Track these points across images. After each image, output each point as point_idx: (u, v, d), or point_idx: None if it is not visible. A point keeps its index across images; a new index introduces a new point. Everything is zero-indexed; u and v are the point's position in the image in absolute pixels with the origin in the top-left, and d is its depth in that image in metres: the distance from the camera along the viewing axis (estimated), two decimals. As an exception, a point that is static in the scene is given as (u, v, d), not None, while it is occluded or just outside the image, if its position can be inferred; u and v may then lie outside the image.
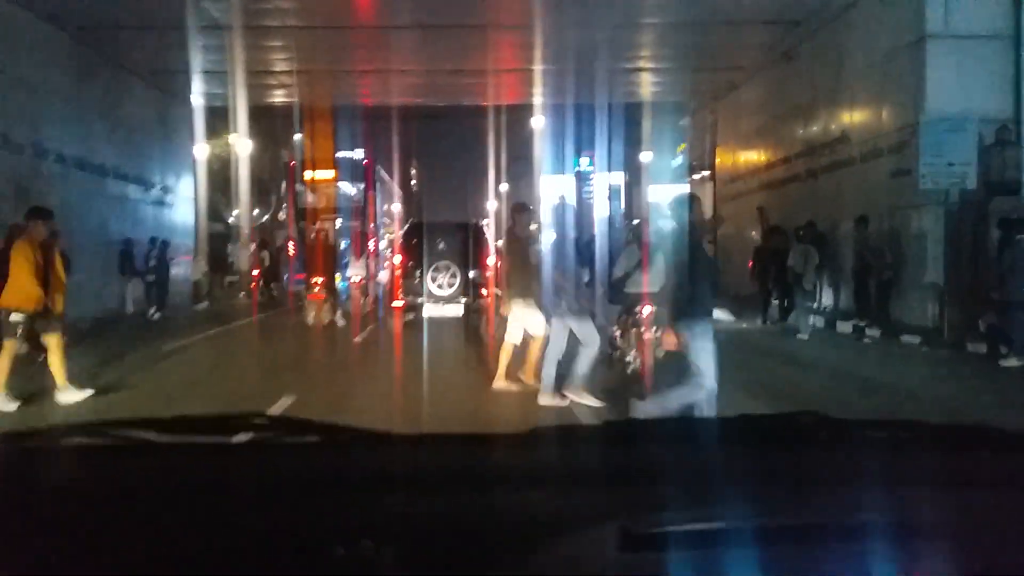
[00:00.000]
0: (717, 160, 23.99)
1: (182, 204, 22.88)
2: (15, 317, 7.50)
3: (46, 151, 15.48)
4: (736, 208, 21.68)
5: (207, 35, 17.13)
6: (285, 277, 22.82)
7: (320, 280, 14.74)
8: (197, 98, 22.52)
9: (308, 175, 21.69)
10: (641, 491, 1.20)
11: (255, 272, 22.81)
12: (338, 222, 20.07)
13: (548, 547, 1.05)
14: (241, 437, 1.44)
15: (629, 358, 8.77)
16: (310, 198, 21.23)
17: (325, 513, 1.13)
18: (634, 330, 8.63)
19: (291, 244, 22.04)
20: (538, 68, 19.76)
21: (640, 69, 20.75)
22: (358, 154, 28.18)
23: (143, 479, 1.25)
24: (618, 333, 9.06)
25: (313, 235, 18.44)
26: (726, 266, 21.81)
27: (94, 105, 17.35)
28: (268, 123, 28.03)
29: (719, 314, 16.05)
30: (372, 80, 21.58)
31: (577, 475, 1.26)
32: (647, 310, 8.32)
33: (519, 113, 27.69)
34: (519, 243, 8.49)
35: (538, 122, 27.32)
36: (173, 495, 1.18)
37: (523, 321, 8.11)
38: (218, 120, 24.10)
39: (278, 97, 23.69)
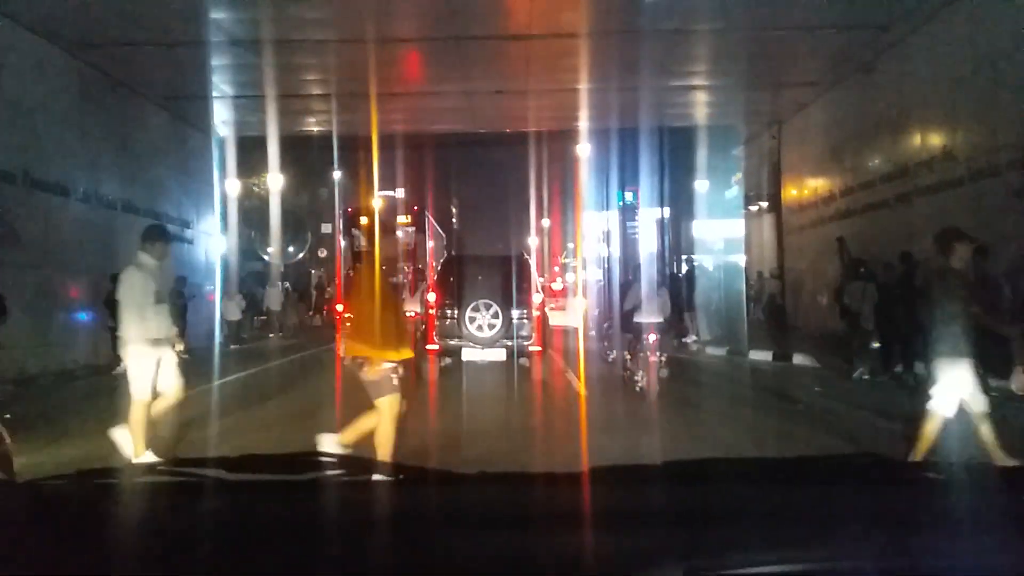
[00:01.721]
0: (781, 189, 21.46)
1: (204, 241, 20.98)
2: None
3: (42, 182, 13.56)
4: (805, 240, 19.23)
5: (226, 54, 15.32)
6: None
7: None
8: (219, 126, 20.86)
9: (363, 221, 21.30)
10: (703, 532, 1.17)
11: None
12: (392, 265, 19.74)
13: None
14: (306, 475, 1.46)
15: (637, 377, 10.56)
16: (364, 243, 20.28)
17: (387, 551, 1.13)
18: (641, 354, 10.45)
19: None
20: (583, 87, 17.54)
21: (692, 87, 18.31)
22: (399, 192, 28.34)
23: (214, 515, 1.30)
24: (628, 356, 11.21)
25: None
26: (796, 303, 19.48)
27: (99, 132, 15.47)
28: (299, 154, 26.20)
29: (800, 359, 13.86)
30: (408, 104, 19.50)
31: (638, 515, 1.24)
32: (652, 337, 10.31)
33: (561, 142, 25.61)
34: None
35: (582, 150, 25.03)
36: (243, 531, 1.22)
37: None
38: (244, 151, 22.26)
39: (309, 125, 21.76)
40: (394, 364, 5.65)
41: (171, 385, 6.69)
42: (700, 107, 20.19)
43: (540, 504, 1.32)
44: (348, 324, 5.74)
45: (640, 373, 10.42)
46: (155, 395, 6.56)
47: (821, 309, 16.56)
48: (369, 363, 5.54)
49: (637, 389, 10.40)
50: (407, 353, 5.78)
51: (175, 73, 16.38)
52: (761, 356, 15.46)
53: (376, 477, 1.49)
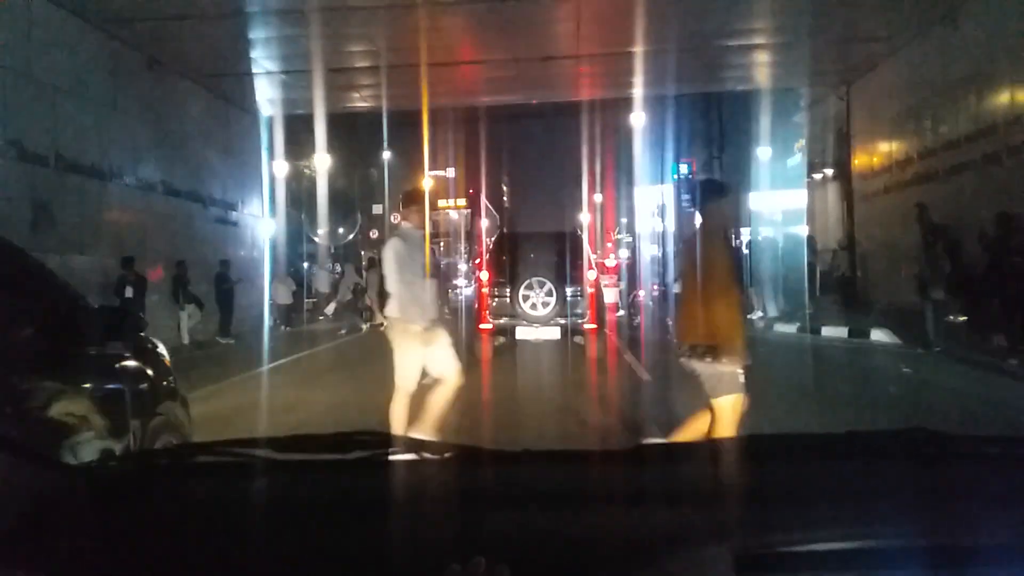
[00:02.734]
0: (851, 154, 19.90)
1: (251, 222, 20.42)
2: None
3: (76, 164, 12.96)
4: (877, 208, 17.83)
5: (266, 27, 14.58)
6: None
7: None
8: (263, 105, 20.18)
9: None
10: (751, 509, 1.15)
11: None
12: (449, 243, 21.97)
13: (659, 565, 1.03)
14: (356, 454, 1.43)
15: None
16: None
17: (439, 529, 1.15)
18: None
19: None
20: (637, 50, 16.32)
21: (752, 47, 16.91)
22: (450, 172, 28.16)
23: (264, 495, 1.31)
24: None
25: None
26: (875, 276, 18.16)
27: (135, 112, 14.83)
28: (347, 133, 25.45)
29: (880, 335, 12.62)
30: (454, 76, 18.51)
31: (686, 493, 1.22)
32: None
33: (614, 112, 24.41)
34: None
35: (636, 119, 23.73)
36: (292, 510, 1.23)
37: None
38: (291, 131, 21.53)
39: (355, 101, 20.92)
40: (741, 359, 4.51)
41: (449, 369, 5.86)
42: (761, 69, 18.80)
43: (586, 482, 1.31)
44: (692, 309, 4.53)
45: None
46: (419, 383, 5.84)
47: (898, 281, 15.24)
48: (718, 354, 4.41)
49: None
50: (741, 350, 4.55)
51: (213, 49, 15.69)
52: (835, 332, 14.26)
53: (422, 455, 1.46)
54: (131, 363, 3.92)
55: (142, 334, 4.18)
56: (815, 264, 19.38)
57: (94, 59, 13.58)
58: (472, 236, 21.76)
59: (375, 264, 20.45)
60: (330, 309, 21.00)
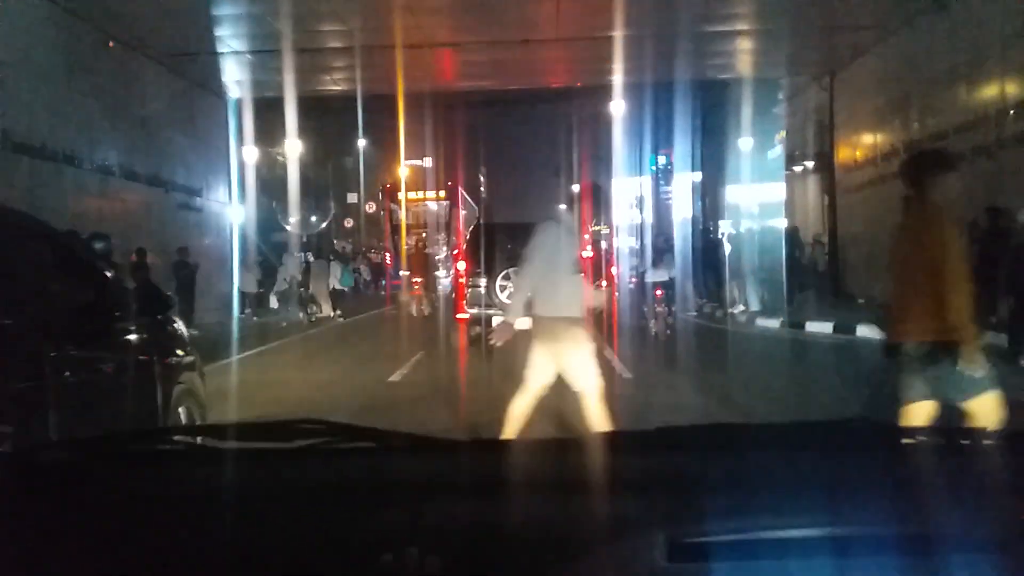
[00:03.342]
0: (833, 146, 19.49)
1: (217, 209, 19.60)
2: None
3: (25, 145, 12.10)
4: (860, 201, 17.42)
5: (233, 4, 13.84)
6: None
7: (419, 280, 18.69)
8: (231, 86, 19.35)
9: (401, 197, 23.97)
10: (689, 498, 1.15)
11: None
12: (428, 234, 22.61)
13: (593, 556, 1.04)
14: (297, 443, 1.40)
15: (651, 324, 13.54)
16: (403, 216, 23.27)
17: (375, 519, 1.14)
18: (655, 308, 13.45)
19: (388, 255, 24.56)
20: (616, 34, 15.65)
21: (734, 33, 16.35)
22: (427, 162, 29.15)
23: (199, 484, 1.29)
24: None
25: (412, 247, 21.28)
26: (857, 270, 17.75)
27: (91, 92, 13.93)
28: (320, 118, 24.58)
29: (866, 331, 12.16)
30: (430, 60, 17.76)
31: (625, 482, 1.21)
32: (659, 293, 13.44)
33: (592, 99, 23.81)
34: None
35: (615, 107, 23.14)
36: (227, 500, 1.20)
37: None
38: (261, 114, 20.63)
39: (328, 84, 20.09)
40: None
41: (586, 380, 5.07)
42: (743, 57, 18.30)
43: (528, 471, 1.31)
44: (919, 303, 3.90)
45: (652, 322, 13.53)
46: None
47: (882, 274, 14.83)
48: (965, 352, 3.75)
49: (653, 334, 13.22)
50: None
51: (175, 27, 14.87)
52: (819, 328, 13.77)
53: (365, 444, 1.45)
54: (158, 337, 4.30)
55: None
56: (798, 257, 19.00)
57: (46, 35, 12.73)
58: (451, 227, 22.04)
59: (323, 256, 20.43)
60: (273, 301, 20.46)
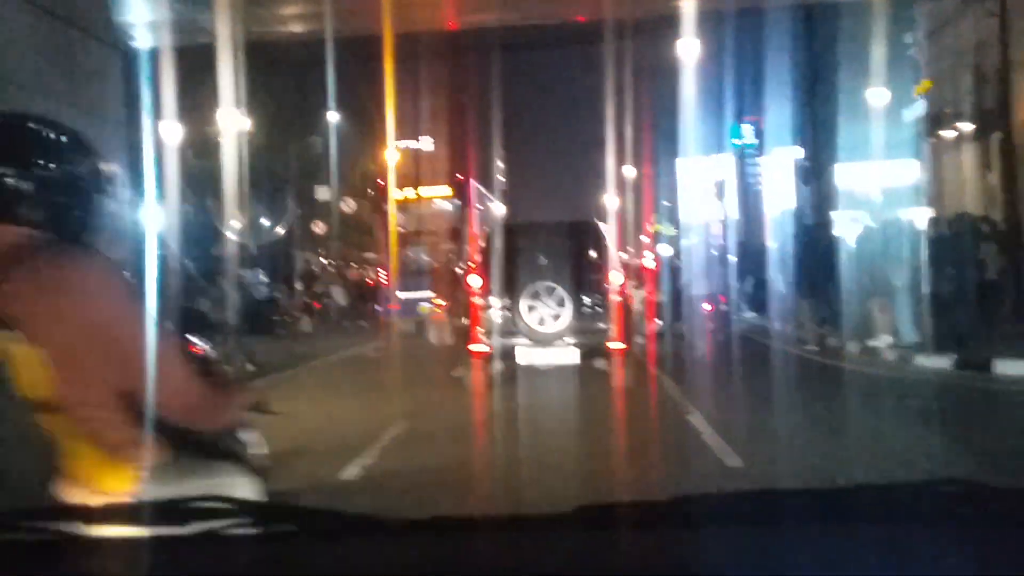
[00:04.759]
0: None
1: (112, 210, 14.08)
2: None
3: None
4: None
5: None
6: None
7: (443, 303, 16.75)
8: (134, 32, 14.44)
9: (400, 195, 20.84)
10: None
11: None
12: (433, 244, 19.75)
13: None
14: (196, 525, 1.22)
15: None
16: (403, 220, 20.79)
17: None
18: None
19: (379, 272, 22.00)
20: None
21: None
22: (425, 143, 24.40)
23: None
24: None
25: (411, 258, 19.43)
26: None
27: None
28: (274, 82, 18.96)
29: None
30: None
31: (646, 565, 1.07)
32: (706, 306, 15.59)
33: (652, 42, 18.00)
34: None
35: (684, 51, 17.08)
36: None
37: None
38: (184, 74, 15.31)
39: (281, 24, 15.17)
40: None
41: None
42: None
43: (488, 557, 1.14)
44: None
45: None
46: None
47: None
48: None
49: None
50: None
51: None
52: (1017, 369, 9.57)
53: (283, 528, 1.23)
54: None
55: None
56: (967, 260, 13.77)
57: None
58: (462, 233, 20.16)
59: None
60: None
